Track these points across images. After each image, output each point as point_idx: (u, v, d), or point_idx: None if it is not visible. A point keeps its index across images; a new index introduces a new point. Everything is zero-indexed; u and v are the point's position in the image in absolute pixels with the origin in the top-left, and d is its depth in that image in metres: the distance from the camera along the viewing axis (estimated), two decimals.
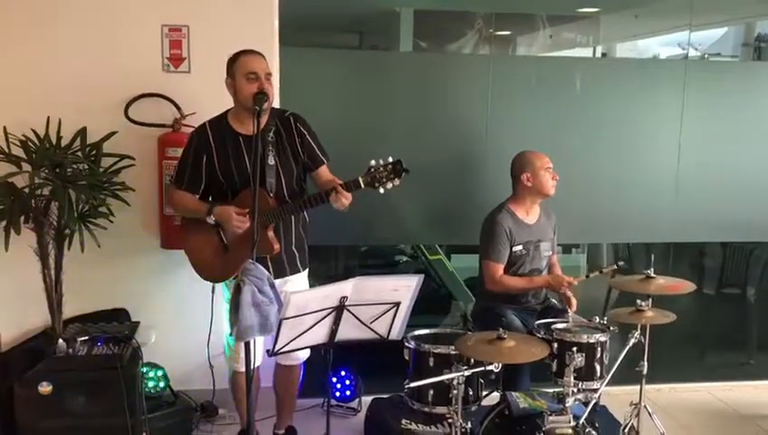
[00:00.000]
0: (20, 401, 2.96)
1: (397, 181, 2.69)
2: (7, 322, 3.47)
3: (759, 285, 4.62)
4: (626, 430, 3.11)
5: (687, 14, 4.06)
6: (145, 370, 3.39)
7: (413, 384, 2.78)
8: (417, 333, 3.02)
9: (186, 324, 3.53)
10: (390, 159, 2.69)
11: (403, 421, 3.27)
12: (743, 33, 5.44)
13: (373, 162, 2.70)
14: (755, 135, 4.09)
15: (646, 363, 3.09)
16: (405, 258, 5.13)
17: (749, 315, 4.62)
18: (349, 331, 2.52)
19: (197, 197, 3.00)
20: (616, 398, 3.31)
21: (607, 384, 3.29)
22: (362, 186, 2.72)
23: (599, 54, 5.55)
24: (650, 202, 4.05)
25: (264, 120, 2.88)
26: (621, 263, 3.57)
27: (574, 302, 3.29)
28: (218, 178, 2.94)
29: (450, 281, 4.68)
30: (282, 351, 2.44)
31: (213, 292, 3.23)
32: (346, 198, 2.74)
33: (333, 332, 2.50)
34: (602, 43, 5.59)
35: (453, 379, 2.63)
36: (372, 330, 2.56)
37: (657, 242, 4.39)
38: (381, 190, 2.70)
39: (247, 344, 2.53)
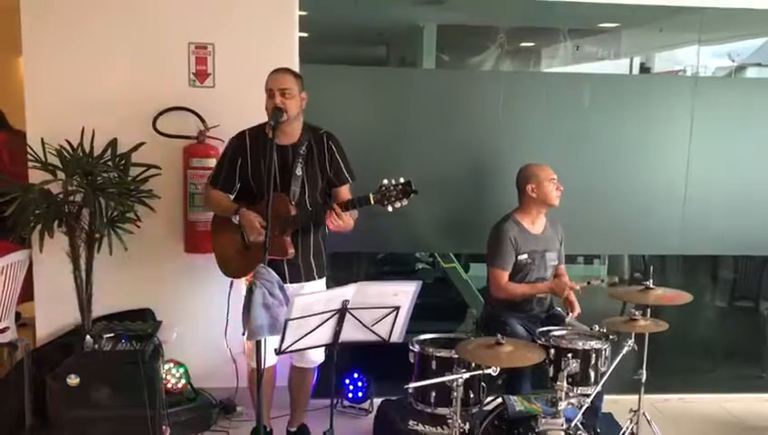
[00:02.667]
0: (51, 392, 3.18)
1: (405, 202, 2.83)
2: (42, 319, 3.71)
3: None
4: None
5: (696, 30, 4.14)
6: (168, 367, 3.60)
7: (413, 385, 2.91)
8: (421, 337, 3.15)
9: (207, 325, 3.68)
10: (402, 180, 2.83)
11: (410, 422, 3.40)
12: None
13: (385, 181, 2.84)
14: (764, 150, 4.12)
15: (644, 372, 3.18)
16: (422, 265, 5.27)
17: (762, 329, 4.62)
18: (352, 333, 2.66)
19: (232, 196, 3.20)
20: (623, 405, 3.38)
21: (614, 393, 3.41)
22: (372, 202, 2.88)
23: (636, 66, 5.62)
24: (660, 215, 4.11)
25: (296, 133, 3.10)
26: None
27: (577, 307, 3.38)
28: (249, 181, 3.14)
29: (464, 288, 4.79)
30: (287, 350, 2.60)
31: (231, 287, 3.33)
32: (342, 220, 2.93)
33: (337, 333, 2.65)
34: (622, 56, 5.65)
35: (452, 381, 2.76)
36: (374, 332, 2.69)
37: (666, 254, 4.43)
38: (390, 209, 2.84)
39: (258, 343, 2.71)
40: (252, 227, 3.04)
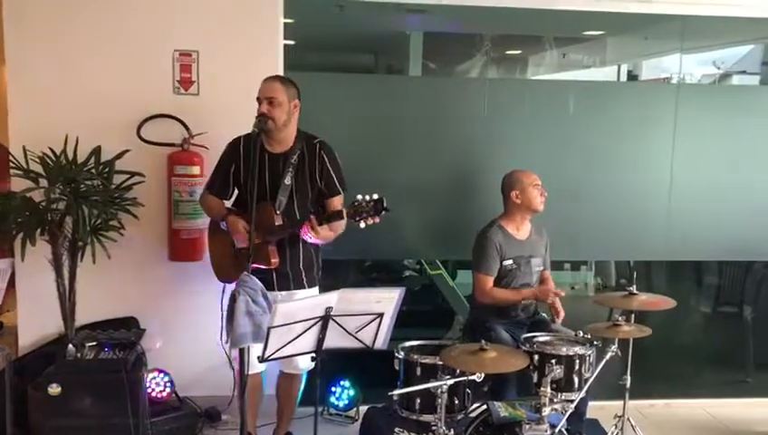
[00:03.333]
0: (32, 401, 3.16)
1: (377, 219, 2.78)
2: (25, 328, 3.68)
3: (755, 303, 4.66)
4: None
5: (678, 38, 4.18)
6: (152, 375, 3.58)
7: (397, 392, 2.91)
8: (407, 344, 3.14)
9: (192, 333, 3.70)
10: (375, 196, 2.79)
11: (396, 429, 3.39)
12: (762, 51, 5.51)
13: (359, 197, 2.80)
14: (747, 156, 4.16)
15: (629, 377, 3.19)
16: (409, 272, 5.27)
17: (746, 334, 4.66)
18: (336, 339, 2.65)
19: (230, 202, 3.21)
20: (608, 411, 3.38)
21: (600, 399, 3.41)
22: (345, 218, 2.86)
23: (624, 74, 5.67)
24: (644, 221, 4.14)
25: (288, 142, 3.09)
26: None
27: (562, 313, 3.40)
28: (242, 188, 3.14)
29: (451, 295, 4.80)
30: (271, 357, 2.59)
31: (223, 292, 3.22)
32: (316, 232, 2.91)
33: (321, 340, 2.64)
34: (608, 64, 5.71)
35: (437, 388, 2.75)
36: (358, 339, 2.69)
37: (650, 260, 4.46)
38: (362, 225, 2.80)
39: (242, 351, 2.71)
40: (236, 230, 3.04)
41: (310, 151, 3.12)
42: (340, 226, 3.05)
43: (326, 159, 3.12)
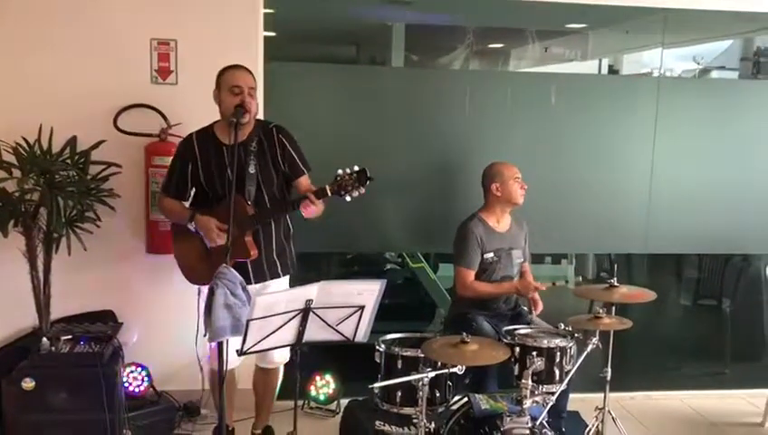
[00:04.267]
0: (6, 395, 3.09)
1: (362, 190, 2.78)
2: None
3: (734, 296, 4.71)
4: (590, 434, 3.20)
5: (660, 33, 4.19)
6: (129, 369, 3.53)
7: (378, 385, 2.89)
8: (389, 336, 3.12)
9: (170, 326, 3.63)
10: (356, 168, 2.79)
11: (377, 423, 3.38)
12: (741, 47, 5.56)
13: (340, 171, 2.80)
14: (726, 150, 4.18)
15: (609, 370, 3.19)
16: (390, 265, 5.26)
17: (724, 326, 4.71)
18: (316, 332, 2.62)
19: (188, 202, 3.14)
20: (590, 404, 3.39)
21: (581, 391, 3.42)
22: (329, 194, 2.84)
23: (605, 68, 5.68)
24: (624, 214, 4.15)
25: (247, 131, 3.04)
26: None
27: (540, 305, 3.40)
28: (202, 185, 3.08)
29: (433, 289, 4.79)
30: (250, 350, 2.56)
31: (199, 293, 3.24)
32: (316, 206, 2.87)
33: (301, 333, 2.61)
34: (590, 58, 5.72)
35: (418, 380, 2.74)
36: (338, 332, 2.66)
37: (629, 253, 4.48)
38: (348, 198, 2.80)
39: (220, 344, 2.66)
40: (209, 231, 2.99)
41: (267, 137, 3.08)
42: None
43: (285, 142, 3.09)
